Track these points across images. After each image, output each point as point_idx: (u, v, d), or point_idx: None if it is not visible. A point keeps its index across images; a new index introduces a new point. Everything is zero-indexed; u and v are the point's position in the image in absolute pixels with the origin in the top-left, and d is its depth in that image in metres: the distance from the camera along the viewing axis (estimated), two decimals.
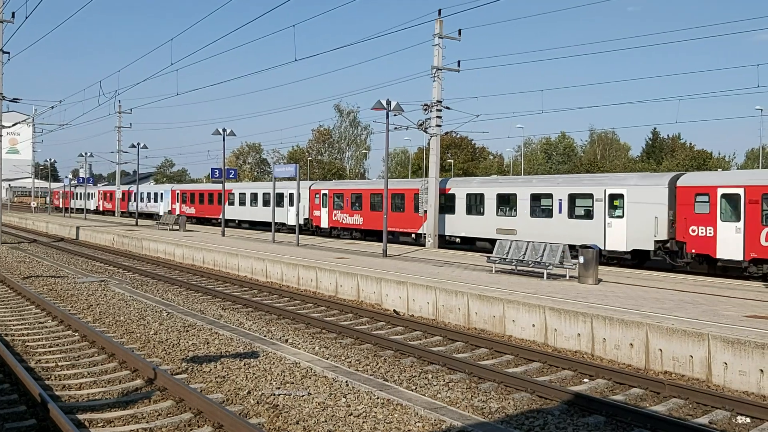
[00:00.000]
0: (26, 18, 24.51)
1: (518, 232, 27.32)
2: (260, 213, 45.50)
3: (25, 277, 22.49)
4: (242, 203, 48.04)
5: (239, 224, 49.60)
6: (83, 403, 9.27)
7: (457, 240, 31.40)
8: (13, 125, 51.60)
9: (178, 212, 55.53)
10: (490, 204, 29.38)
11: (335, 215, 38.42)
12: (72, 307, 17.08)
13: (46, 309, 16.23)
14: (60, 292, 19.51)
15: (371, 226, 35.42)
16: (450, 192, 31.07)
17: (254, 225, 47.47)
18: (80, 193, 78.27)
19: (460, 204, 30.86)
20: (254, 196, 46.96)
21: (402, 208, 33.72)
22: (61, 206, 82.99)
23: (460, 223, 30.75)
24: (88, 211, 70.51)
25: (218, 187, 55.45)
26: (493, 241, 24.89)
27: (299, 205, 33.67)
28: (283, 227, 42.18)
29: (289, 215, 41.86)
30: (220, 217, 48.59)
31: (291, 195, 41.47)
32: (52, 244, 39.14)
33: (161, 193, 62.22)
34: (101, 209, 75.00)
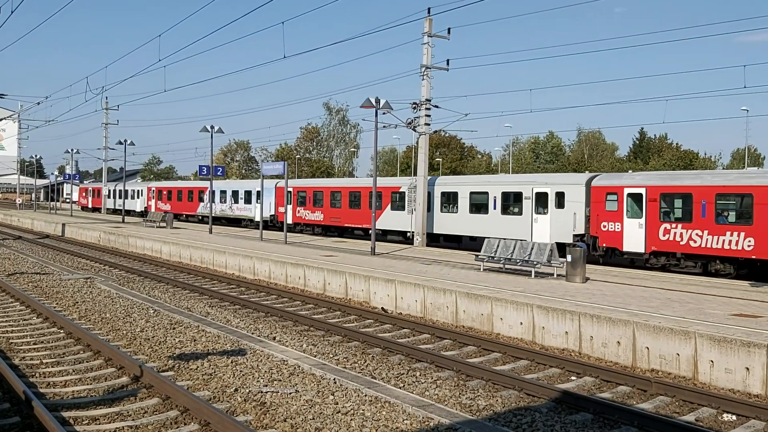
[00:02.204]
0: (12, 13, 24.24)
1: (460, 228, 30.84)
2: (236, 210, 47.14)
3: (9, 274, 22.28)
4: (222, 200, 48.52)
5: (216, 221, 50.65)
6: (68, 400, 9.18)
7: (408, 234, 33.79)
8: None
9: (154, 209, 55.77)
10: (437, 201, 31.96)
11: (299, 212, 40.12)
12: (57, 304, 16.93)
13: (31, 306, 16.08)
14: (45, 289, 19.33)
15: (330, 222, 38.30)
16: (401, 190, 34.12)
17: (231, 222, 47.94)
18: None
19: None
20: (223, 194, 48.21)
21: (359, 206, 36.29)
22: (89, 206, 72.61)
23: (410, 220, 34.00)
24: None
25: (194, 184, 55.48)
26: (435, 237, 31.91)
27: (266, 201, 38.19)
28: (250, 223, 43.95)
29: (256, 211, 42.49)
30: (196, 212, 51.34)
31: (259, 192, 41.79)
32: (38, 241, 38.82)
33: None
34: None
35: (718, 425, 9.43)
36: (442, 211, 31.50)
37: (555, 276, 19.28)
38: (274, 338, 13.50)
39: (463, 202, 30.42)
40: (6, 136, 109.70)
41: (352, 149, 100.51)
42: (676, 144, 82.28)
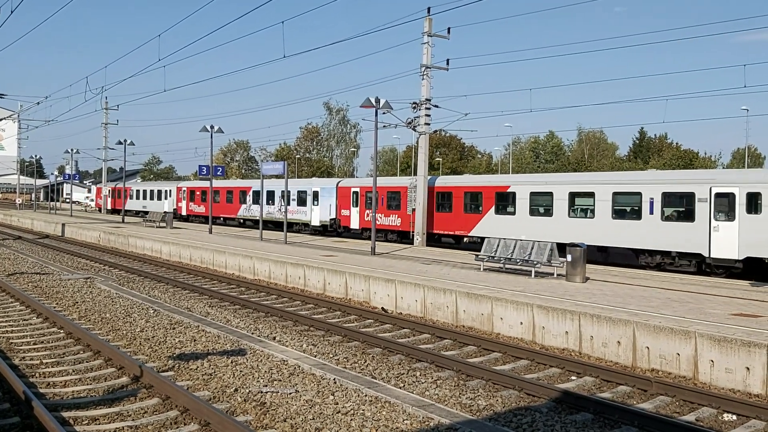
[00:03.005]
0: (11, 12, 24.23)
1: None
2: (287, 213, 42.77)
3: (9, 274, 22.27)
4: (270, 202, 43.98)
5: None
6: (68, 400, 9.17)
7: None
8: None
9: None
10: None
11: (369, 215, 34.85)
12: (57, 304, 16.92)
13: (31, 306, 16.06)
14: (45, 289, 19.33)
15: (413, 228, 32.27)
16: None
17: (280, 226, 43.28)
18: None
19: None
20: (271, 194, 43.74)
21: (449, 208, 33.68)
22: (109, 207, 66.99)
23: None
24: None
25: (235, 183, 50.05)
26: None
27: (325, 203, 38.17)
28: (305, 228, 40.72)
29: (313, 214, 39.65)
30: (237, 215, 46.67)
31: (316, 193, 39.78)
32: (38, 241, 38.80)
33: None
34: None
35: (718, 425, 9.43)
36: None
37: (555, 276, 19.27)
38: (274, 338, 13.49)
39: (602, 206, 24.96)
40: (6, 136, 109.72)
41: (353, 149, 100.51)
42: (676, 143, 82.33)
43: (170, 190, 56.39)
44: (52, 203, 75.86)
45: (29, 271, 23.17)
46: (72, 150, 62.68)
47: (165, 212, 47.07)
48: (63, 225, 44.94)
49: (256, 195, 43.53)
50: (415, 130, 31.22)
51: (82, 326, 13.76)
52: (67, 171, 75.35)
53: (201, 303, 18.15)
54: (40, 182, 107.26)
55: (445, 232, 31.90)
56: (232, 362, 11.01)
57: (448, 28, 30.00)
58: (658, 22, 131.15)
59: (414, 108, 30.53)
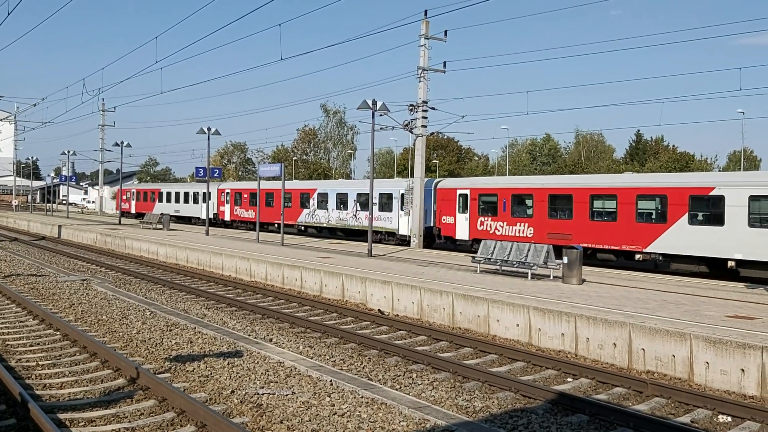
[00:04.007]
0: (8, 14, 24.24)
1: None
2: (364, 219, 35.92)
3: (5, 276, 22.23)
4: (341, 206, 38.84)
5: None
6: (64, 402, 9.17)
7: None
8: None
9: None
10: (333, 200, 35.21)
11: (482, 223, 29.67)
12: (53, 305, 16.90)
13: (27, 308, 16.04)
14: (41, 290, 19.30)
15: (549, 239, 25.69)
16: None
17: (352, 234, 38.82)
18: (178, 194, 54.86)
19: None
20: (342, 197, 38.63)
21: (601, 216, 32.37)
22: (132, 211, 60.85)
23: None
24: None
25: (295, 185, 43.85)
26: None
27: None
28: (389, 237, 35.11)
29: (400, 221, 34.17)
30: (297, 221, 41.14)
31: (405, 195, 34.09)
32: (34, 243, 38.73)
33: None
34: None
35: (713, 427, 9.46)
36: (752, 225, 20.87)
37: (551, 278, 19.31)
38: (271, 340, 13.50)
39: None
40: (2, 137, 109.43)
41: (350, 151, 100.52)
42: (673, 146, 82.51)
43: (209, 193, 51.89)
44: (48, 205, 75.66)
45: (25, 273, 23.14)
46: (69, 152, 62.69)
47: (162, 214, 46.68)
48: (59, 227, 44.86)
49: (323, 198, 39.03)
50: (412, 133, 31.26)
51: (78, 328, 13.74)
52: (64, 173, 74.94)
53: (198, 305, 18.14)
54: (37, 184, 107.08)
55: (601, 246, 24.84)
56: (228, 364, 11.01)
57: (445, 31, 30.15)
58: (655, 25, 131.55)
59: (411, 110, 30.57)
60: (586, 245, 23.92)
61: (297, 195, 41.43)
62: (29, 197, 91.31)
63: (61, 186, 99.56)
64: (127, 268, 26.25)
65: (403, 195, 34.08)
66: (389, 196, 35.07)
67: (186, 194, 53.70)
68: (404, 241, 33.49)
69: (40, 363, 11.26)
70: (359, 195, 36.59)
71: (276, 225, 41.81)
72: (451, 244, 31.53)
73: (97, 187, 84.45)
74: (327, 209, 38.82)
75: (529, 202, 27.64)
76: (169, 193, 55.85)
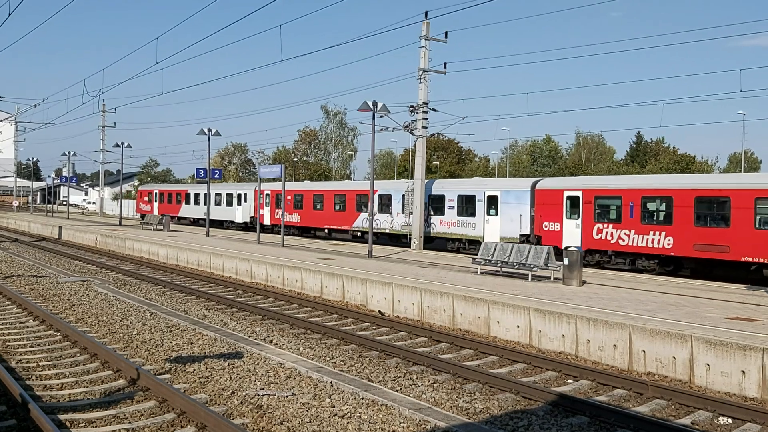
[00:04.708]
0: (9, 15, 24.27)
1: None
2: (437, 224, 32.21)
3: (6, 277, 22.24)
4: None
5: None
6: (65, 403, 9.17)
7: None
8: None
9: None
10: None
11: (601, 231, 24.94)
12: (54, 306, 16.91)
13: (28, 308, 16.05)
14: (42, 291, 19.30)
15: (694, 252, 22.30)
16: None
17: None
18: (207, 195, 44.41)
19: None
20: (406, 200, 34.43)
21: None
22: (155, 213, 52.66)
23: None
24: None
25: (347, 186, 40.67)
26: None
27: (512, 211, 28.12)
28: (469, 247, 30.37)
29: (487, 227, 29.58)
30: (352, 227, 36.86)
31: (493, 197, 29.46)
32: (34, 244, 38.74)
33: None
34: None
35: (714, 428, 9.45)
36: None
37: (552, 279, 19.30)
38: (271, 341, 13.49)
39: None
40: (3, 138, 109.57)
41: (350, 152, 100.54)
42: (673, 148, 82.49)
43: (245, 194, 45.78)
44: (48, 206, 75.65)
45: (26, 274, 23.15)
46: (69, 153, 62.74)
47: (162, 215, 46.54)
48: (60, 228, 44.87)
49: (385, 200, 34.67)
50: (412, 134, 31.27)
51: (78, 329, 13.74)
52: (64, 174, 74.93)
53: (198, 306, 18.14)
54: (37, 185, 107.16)
55: None
56: (228, 365, 11.01)
57: (446, 32, 30.16)
58: (655, 27, 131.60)
59: (411, 111, 30.59)
60: (750, 259, 20.60)
61: (352, 197, 37.01)
62: (30, 198, 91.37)
63: (62, 187, 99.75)
64: (127, 269, 26.25)
65: (491, 197, 29.39)
66: (471, 199, 30.48)
67: (218, 196, 48.79)
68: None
69: (41, 364, 11.26)
70: (432, 197, 32.19)
71: (327, 230, 38.88)
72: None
73: (97, 188, 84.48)
74: (390, 213, 34.44)
75: (665, 207, 23.21)
76: (197, 195, 50.59)
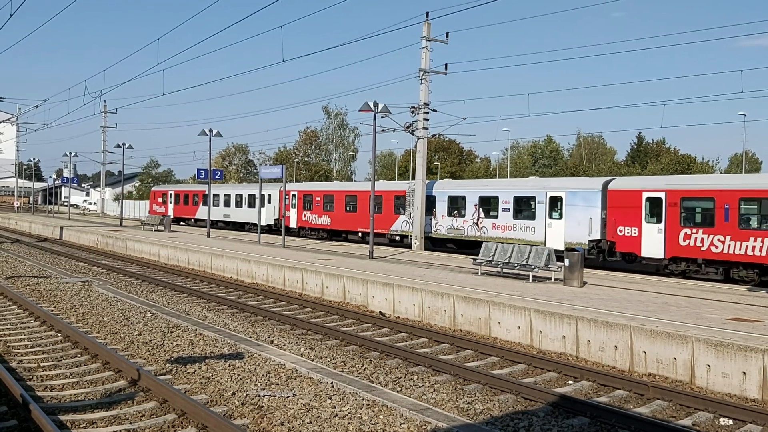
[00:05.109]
0: (11, 16, 24.31)
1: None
2: (489, 228, 29.72)
3: (7, 278, 22.25)
4: (453, 212, 31.91)
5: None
6: (65, 403, 9.18)
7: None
8: None
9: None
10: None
11: (691, 236, 22.40)
12: (55, 307, 16.92)
13: (29, 309, 16.06)
14: (43, 292, 19.32)
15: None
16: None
17: (465, 246, 32.68)
18: (228, 196, 46.98)
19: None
20: (455, 201, 31.88)
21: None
22: (171, 215, 50.55)
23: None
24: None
25: (385, 186, 36.77)
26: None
27: (580, 214, 25.66)
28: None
29: (550, 231, 26.95)
30: (390, 230, 34.49)
31: (555, 199, 26.80)
32: (35, 244, 38.77)
33: None
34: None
35: (714, 429, 9.45)
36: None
37: (553, 280, 19.30)
38: (272, 342, 13.50)
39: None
40: (4, 139, 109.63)
41: (351, 153, 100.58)
42: (674, 148, 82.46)
43: (269, 195, 43.41)
44: (50, 206, 75.65)
45: (27, 275, 23.16)
46: (70, 153, 62.83)
47: (164, 216, 46.52)
48: (61, 228, 44.91)
49: (428, 201, 31.90)
50: (413, 135, 31.27)
51: (79, 329, 13.75)
52: (66, 174, 74.91)
53: (199, 306, 18.15)
54: (38, 185, 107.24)
55: None
56: (229, 366, 11.02)
57: (447, 33, 30.15)
58: (656, 27, 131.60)
59: (412, 112, 30.59)
60: None
61: (390, 198, 34.55)
62: (31, 199, 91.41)
63: (63, 187, 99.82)
64: (128, 270, 26.27)
65: (554, 199, 26.67)
66: (528, 201, 27.89)
67: (239, 197, 46.56)
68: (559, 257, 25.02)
69: (42, 364, 11.27)
70: (483, 199, 29.74)
71: (360, 234, 36.35)
72: (631, 262, 24.92)
73: (98, 189, 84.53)
74: (434, 215, 32.14)
75: None
76: (216, 196, 48.08)
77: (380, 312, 18.01)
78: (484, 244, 21.56)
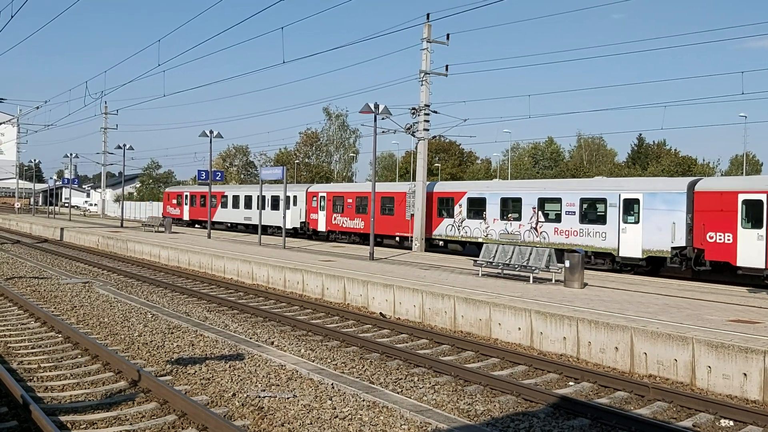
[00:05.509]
0: (12, 17, 24.33)
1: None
2: (551, 233, 27.21)
3: (7, 279, 22.25)
4: (505, 214, 29.48)
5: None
6: (66, 404, 9.17)
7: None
8: None
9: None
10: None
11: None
12: (55, 308, 16.92)
13: (29, 310, 16.06)
14: (43, 293, 19.32)
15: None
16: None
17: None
18: (249, 198, 44.52)
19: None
20: (511, 204, 29.29)
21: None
22: (184, 217, 50.36)
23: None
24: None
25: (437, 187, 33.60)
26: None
27: (662, 218, 23.17)
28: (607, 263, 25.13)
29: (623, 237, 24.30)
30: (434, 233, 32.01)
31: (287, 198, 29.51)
32: (36, 245, 38.77)
33: None
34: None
35: (715, 431, 9.44)
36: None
37: (553, 281, 19.29)
38: (272, 343, 13.50)
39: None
40: (5, 140, 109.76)
41: (351, 154, 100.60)
42: (675, 150, 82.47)
43: (295, 197, 40.87)
44: (50, 208, 75.67)
45: (28, 276, 23.16)
46: (71, 154, 62.79)
47: (164, 217, 46.54)
48: (62, 229, 44.92)
49: (477, 204, 30.03)
50: (414, 136, 31.28)
51: (80, 330, 13.75)
52: (66, 175, 74.86)
53: (199, 307, 18.15)
54: (39, 186, 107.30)
55: None
56: (230, 367, 11.01)
57: (447, 35, 30.17)
58: (657, 28, 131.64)
59: (413, 114, 30.60)
60: None
61: (434, 200, 32.45)
62: (31, 200, 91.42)
63: (64, 189, 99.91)
64: (129, 271, 26.27)
65: (629, 201, 24.29)
66: (597, 203, 25.68)
67: (262, 199, 41.29)
68: (629, 266, 24.24)
69: (42, 365, 11.27)
70: (542, 201, 27.36)
71: (398, 238, 33.99)
72: (725, 273, 22.14)
73: (99, 190, 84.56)
74: (484, 219, 29.61)
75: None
76: (236, 197, 45.99)
77: (381, 313, 18.01)
78: (484, 245, 21.56)
